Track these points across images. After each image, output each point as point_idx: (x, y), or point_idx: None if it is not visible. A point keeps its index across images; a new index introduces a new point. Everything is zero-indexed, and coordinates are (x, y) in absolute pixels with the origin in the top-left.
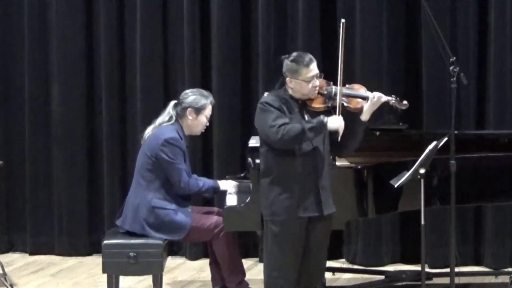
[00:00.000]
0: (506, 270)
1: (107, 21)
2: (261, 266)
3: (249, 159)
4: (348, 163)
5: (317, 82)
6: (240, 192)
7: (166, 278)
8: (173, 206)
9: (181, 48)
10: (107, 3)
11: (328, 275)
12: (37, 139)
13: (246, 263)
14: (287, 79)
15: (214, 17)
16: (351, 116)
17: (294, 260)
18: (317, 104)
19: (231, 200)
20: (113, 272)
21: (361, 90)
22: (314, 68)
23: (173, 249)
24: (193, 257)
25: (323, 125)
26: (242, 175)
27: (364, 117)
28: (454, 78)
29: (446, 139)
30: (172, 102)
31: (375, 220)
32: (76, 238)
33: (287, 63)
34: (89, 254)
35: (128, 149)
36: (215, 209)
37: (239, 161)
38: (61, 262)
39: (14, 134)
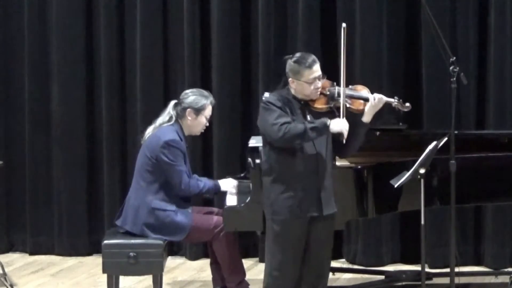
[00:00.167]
0: (506, 270)
1: (107, 21)
2: (261, 266)
3: (249, 159)
4: (348, 163)
5: (319, 83)
6: (240, 192)
7: (166, 278)
8: (173, 207)
9: (181, 48)
10: (107, 3)
11: None
12: (37, 139)
13: (246, 263)
14: (290, 79)
15: (214, 17)
16: (353, 117)
17: (295, 260)
18: (320, 105)
19: (231, 200)
20: (113, 272)
21: (363, 91)
22: (316, 70)
23: (173, 249)
24: (193, 257)
25: (326, 127)
26: (242, 175)
27: (366, 118)
28: (454, 78)
29: (446, 139)
30: (172, 102)
31: (375, 220)
32: (76, 238)
33: (290, 63)
34: (89, 254)
35: (128, 149)
36: (215, 209)
37: (239, 161)
38: (61, 262)
39: (14, 134)
